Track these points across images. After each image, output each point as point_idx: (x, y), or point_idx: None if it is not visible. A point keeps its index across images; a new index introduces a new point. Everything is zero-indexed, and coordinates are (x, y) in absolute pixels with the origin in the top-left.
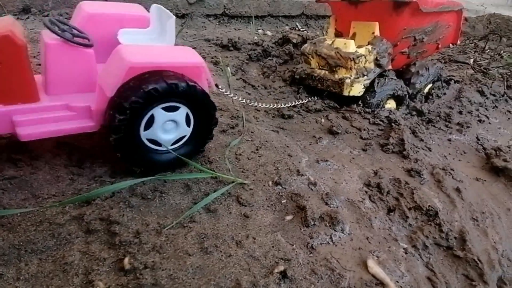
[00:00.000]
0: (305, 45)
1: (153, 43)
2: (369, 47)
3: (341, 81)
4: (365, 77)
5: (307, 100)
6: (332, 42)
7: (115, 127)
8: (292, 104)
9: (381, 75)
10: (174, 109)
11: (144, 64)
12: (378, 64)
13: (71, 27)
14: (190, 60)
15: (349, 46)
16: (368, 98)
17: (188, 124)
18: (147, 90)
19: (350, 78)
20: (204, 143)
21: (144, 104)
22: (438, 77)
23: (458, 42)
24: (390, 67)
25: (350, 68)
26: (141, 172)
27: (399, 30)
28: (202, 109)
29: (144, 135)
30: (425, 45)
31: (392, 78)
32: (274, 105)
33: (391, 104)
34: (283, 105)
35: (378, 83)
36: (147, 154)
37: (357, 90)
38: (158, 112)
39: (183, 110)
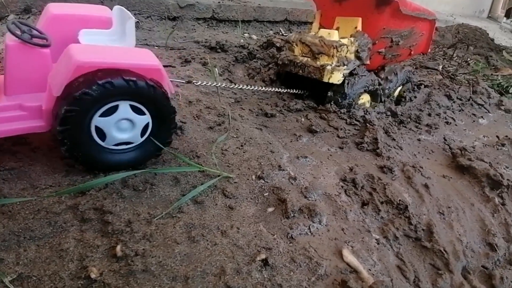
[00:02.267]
0: (290, 34)
1: (113, 44)
2: (352, 38)
3: (323, 67)
4: (345, 66)
5: (289, 90)
6: (317, 32)
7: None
8: (274, 90)
9: (351, 74)
10: (140, 113)
11: (93, 64)
12: (358, 57)
13: (32, 28)
14: (144, 62)
15: (333, 35)
16: (340, 100)
17: (142, 135)
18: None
19: (331, 65)
20: (160, 148)
21: (82, 112)
22: (407, 80)
23: (429, 51)
24: (368, 62)
25: (332, 56)
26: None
27: (379, 28)
28: (160, 111)
29: (97, 121)
30: (400, 48)
31: (362, 75)
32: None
33: (364, 99)
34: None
35: (348, 83)
36: (100, 153)
37: (336, 78)
38: (123, 106)
39: (146, 119)
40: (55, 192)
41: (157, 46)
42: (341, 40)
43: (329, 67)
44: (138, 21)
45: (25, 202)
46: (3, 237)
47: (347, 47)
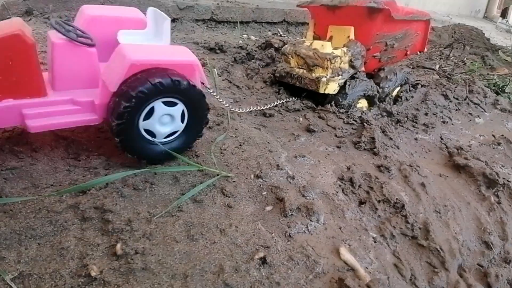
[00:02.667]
0: (286, 45)
1: (150, 43)
2: (345, 49)
3: (318, 79)
4: (340, 76)
5: (286, 100)
6: (311, 44)
7: (119, 113)
8: (274, 105)
9: (352, 77)
10: (172, 104)
11: (144, 62)
12: (352, 66)
13: (75, 28)
14: (185, 58)
15: (326, 47)
16: (340, 100)
17: (182, 120)
18: (153, 83)
19: (326, 77)
20: (194, 140)
21: (148, 95)
22: (405, 81)
23: (425, 50)
24: (363, 69)
25: (327, 68)
26: (134, 163)
27: (372, 35)
28: (197, 107)
29: (142, 125)
30: (395, 50)
31: (362, 80)
32: (255, 108)
33: (362, 104)
34: (263, 107)
35: (349, 85)
36: (143, 144)
37: (332, 88)
38: (158, 105)
39: (180, 107)
40: (56, 191)
41: None
42: (334, 51)
43: (324, 79)
44: None
45: (27, 201)
46: (5, 236)
47: (340, 58)
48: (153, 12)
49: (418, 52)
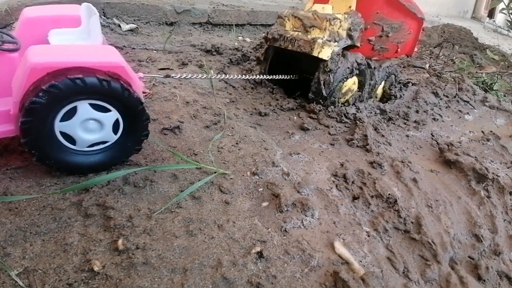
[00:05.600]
0: (283, 9)
1: (82, 43)
2: (345, 15)
3: (314, 40)
4: (336, 43)
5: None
6: (311, 7)
7: (22, 132)
8: (262, 78)
9: (324, 72)
10: (104, 110)
11: (48, 65)
12: (349, 35)
13: (4, 34)
14: (105, 60)
15: (327, 9)
16: (322, 102)
17: (115, 132)
18: (46, 89)
19: (322, 39)
20: (130, 153)
21: (45, 105)
22: (388, 75)
23: (414, 53)
24: (359, 44)
25: (325, 29)
26: (135, 162)
27: (372, 12)
28: (131, 112)
29: (59, 126)
30: (388, 42)
31: (337, 68)
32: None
33: (348, 85)
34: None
35: (323, 82)
36: (63, 153)
37: (326, 53)
38: (83, 106)
39: (114, 115)
40: (59, 190)
41: (155, 50)
42: (335, 14)
43: (320, 41)
44: (137, 27)
45: (31, 199)
46: (10, 233)
47: (340, 22)
48: (86, 8)
49: (407, 55)
